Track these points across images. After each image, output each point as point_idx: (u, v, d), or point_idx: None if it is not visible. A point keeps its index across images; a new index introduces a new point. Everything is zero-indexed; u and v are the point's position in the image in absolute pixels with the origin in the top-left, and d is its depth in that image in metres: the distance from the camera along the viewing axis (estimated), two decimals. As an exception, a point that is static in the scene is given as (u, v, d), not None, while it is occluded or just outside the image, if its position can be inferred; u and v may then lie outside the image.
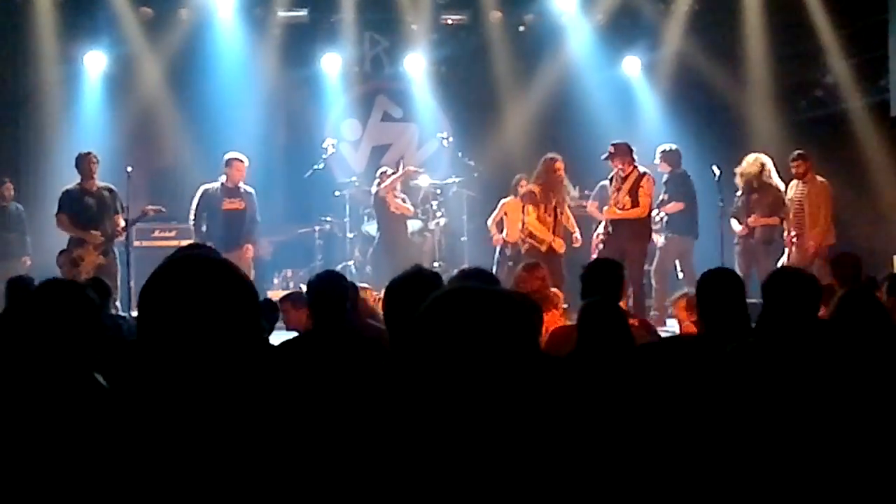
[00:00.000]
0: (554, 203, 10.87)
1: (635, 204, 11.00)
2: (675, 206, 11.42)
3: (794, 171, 11.12)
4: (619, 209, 10.99)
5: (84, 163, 10.71)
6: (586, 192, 13.08)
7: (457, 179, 13.26)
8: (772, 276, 4.48)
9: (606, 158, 11.18)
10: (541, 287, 6.60)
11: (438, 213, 12.97)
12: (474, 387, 1.83)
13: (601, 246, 11.06)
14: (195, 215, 11.29)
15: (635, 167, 11.12)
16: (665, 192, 11.53)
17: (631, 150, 11.19)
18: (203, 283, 1.97)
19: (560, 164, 10.86)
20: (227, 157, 11.40)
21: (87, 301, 3.22)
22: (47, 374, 3.01)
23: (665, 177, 11.59)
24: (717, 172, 11.33)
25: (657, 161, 11.54)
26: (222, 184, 11.34)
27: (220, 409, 1.95)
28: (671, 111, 13.85)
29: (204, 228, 11.19)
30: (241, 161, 11.34)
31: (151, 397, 1.95)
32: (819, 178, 11.09)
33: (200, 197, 11.32)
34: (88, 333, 3.14)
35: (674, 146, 11.58)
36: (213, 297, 1.96)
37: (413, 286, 4.00)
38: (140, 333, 1.99)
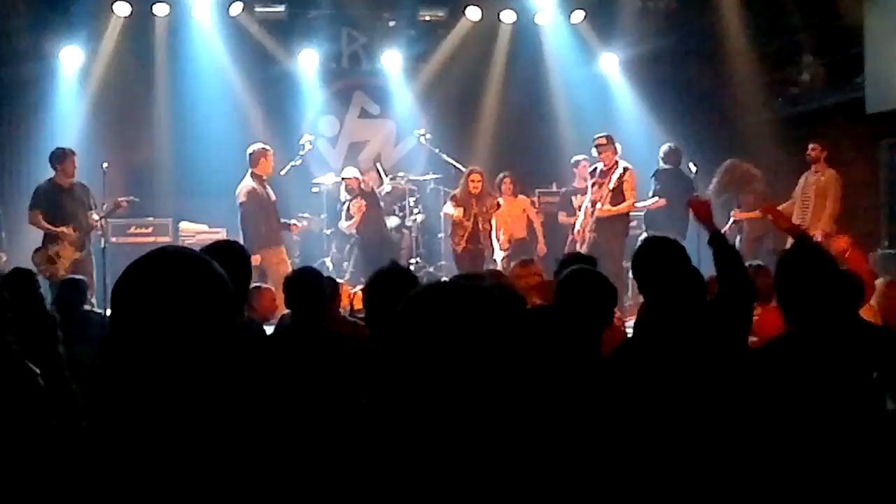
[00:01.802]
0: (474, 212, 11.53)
1: (618, 199, 11.06)
2: (657, 203, 11.45)
3: (809, 155, 11.15)
4: (611, 205, 11.08)
5: (65, 160, 10.63)
6: (563, 188, 13.18)
7: (434, 176, 13.27)
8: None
9: (599, 148, 11.25)
10: (538, 283, 6.54)
11: (416, 210, 12.97)
12: (456, 382, 1.83)
13: (585, 241, 11.17)
14: (252, 216, 10.78)
15: (617, 161, 11.22)
16: (652, 189, 11.58)
17: (614, 143, 11.30)
18: (175, 277, 1.96)
19: (476, 178, 11.55)
20: (259, 147, 11.02)
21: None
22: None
23: (656, 173, 11.62)
24: (694, 169, 11.40)
25: (661, 155, 11.65)
26: (258, 177, 10.92)
27: (191, 405, 1.94)
28: (648, 109, 13.89)
29: (263, 230, 10.79)
30: (270, 150, 11.10)
31: (121, 392, 1.95)
32: (830, 168, 11.17)
33: (250, 195, 10.80)
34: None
35: (674, 145, 11.60)
36: (186, 292, 1.95)
37: (389, 282, 4.01)
38: (112, 327, 1.99)
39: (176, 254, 2.02)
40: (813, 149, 11.05)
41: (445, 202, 12.11)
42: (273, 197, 11.11)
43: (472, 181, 11.57)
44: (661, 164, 11.63)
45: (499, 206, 11.86)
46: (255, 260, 10.29)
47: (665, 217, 11.35)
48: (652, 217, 11.54)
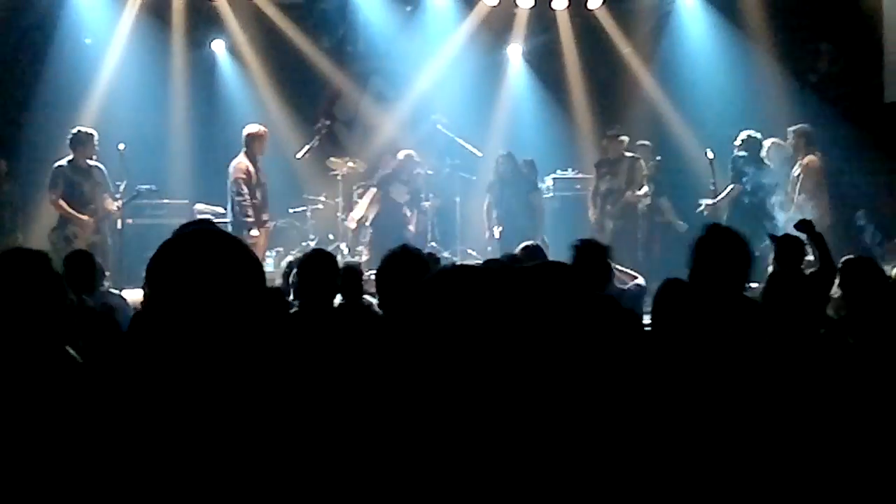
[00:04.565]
0: None
1: (631, 186, 11.40)
2: (737, 189, 11.35)
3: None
4: (636, 193, 11.54)
5: (85, 142, 10.68)
6: (579, 174, 13.18)
7: (449, 161, 13.24)
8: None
9: (611, 140, 11.67)
10: None
11: (431, 195, 12.96)
12: (472, 361, 1.82)
13: (604, 228, 11.38)
14: (239, 195, 11.00)
15: (623, 153, 11.69)
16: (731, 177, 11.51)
17: (621, 135, 11.88)
18: (212, 256, 1.97)
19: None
20: (251, 130, 11.23)
21: (51, 271, 3.16)
22: (17, 349, 2.97)
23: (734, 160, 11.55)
24: (711, 156, 11.36)
25: (736, 143, 11.50)
26: (249, 157, 11.13)
27: (223, 382, 1.95)
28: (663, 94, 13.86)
29: (249, 206, 11.00)
30: (265, 132, 11.31)
31: (154, 370, 1.96)
32: (810, 156, 11.12)
33: (240, 172, 11.03)
34: (55, 304, 3.08)
35: (755, 133, 11.51)
36: (222, 271, 1.96)
37: (401, 265, 4.02)
38: (147, 304, 2.00)
39: (212, 233, 2.03)
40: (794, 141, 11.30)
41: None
42: (262, 178, 11.29)
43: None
44: (740, 152, 11.45)
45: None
46: (253, 236, 10.56)
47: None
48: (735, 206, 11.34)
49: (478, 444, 1.85)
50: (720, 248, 3.98)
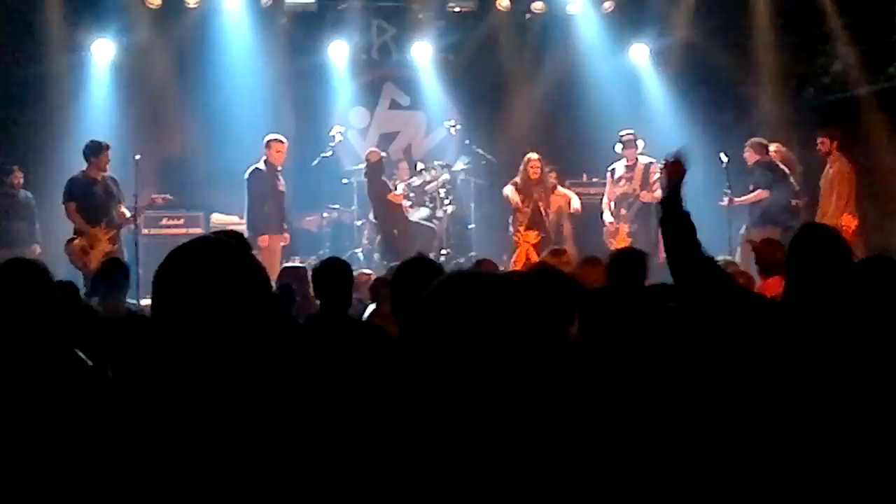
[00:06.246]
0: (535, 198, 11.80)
1: (646, 189, 11.41)
2: (760, 195, 11.33)
3: (820, 150, 11.26)
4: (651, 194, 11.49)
5: (100, 153, 10.73)
6: (594, 178, 13.18)
7: (464, 167, 13.26)
8: None
9: (626, 144, 11.69)
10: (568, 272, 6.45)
11: (446, 201, 12.97)
12: (476, 372, 1.83)
13: (620, 233, 11.39)
14: (255, 199, 11.31)
15: (637, 157, 11.74)
16: (751, 182, 11.48)
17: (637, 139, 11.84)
18: (216, 265, 1.99)
19: (536, 163, 11.84)
20: (269, 138, 11.55)
21: (45, 279, 3.23)
22: (28, 354, 3.02)
23: (750, 165, 11.52)
24: (725, 160, 11.33)
25: (746, 153, 11.45)
26: (269, 165, 11.45)
27: (229, 390, 1.97)
28: (679, 99, 13.81)
29: (265, 210, 11.28)
30: (283, 142, 11.58)
31: (161, 377, 1.98)
32: (842, 158, 11.12)
33: (255, 178, 11.37)
34: (51, 310, 3.15)
35: (762, 140, 11.52)
36: (227, 280, 1.98)
37: (416, 273, 4.03)
38: (154, 313, 2.02)
39: (215, 243, 2.05)
40: (822, 143, 11.24)
41: (505, 186, 12.28)
42: (281, 187, 11.51)
43: (532, 167, 11.87)
44: (753, 157, 11.45)
45: (555, 188, 12.14)
46: (263, 241, 10.69)
47: (769, 208, 11.28)
48: (760, 209, 11.32)
49: (482, 452, 1.85)
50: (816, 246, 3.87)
